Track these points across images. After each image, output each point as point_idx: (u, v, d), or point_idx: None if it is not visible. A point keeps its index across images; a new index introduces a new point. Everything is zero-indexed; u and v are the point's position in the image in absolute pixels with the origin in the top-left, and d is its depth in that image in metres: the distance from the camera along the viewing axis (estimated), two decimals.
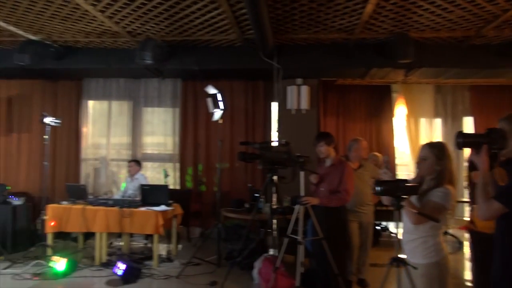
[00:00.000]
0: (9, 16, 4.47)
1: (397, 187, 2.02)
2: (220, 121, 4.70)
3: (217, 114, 4.60)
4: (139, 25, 4.71)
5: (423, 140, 6.69)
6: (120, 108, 6.65)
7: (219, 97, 4.52)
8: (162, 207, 4.80)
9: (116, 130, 6.64)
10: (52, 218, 4.89)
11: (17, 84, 6.80)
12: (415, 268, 2.10)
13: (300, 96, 5.67)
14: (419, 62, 5.13)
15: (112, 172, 6.66)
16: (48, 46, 5.38)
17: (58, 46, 5.52)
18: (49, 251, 4.90)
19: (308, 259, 3.93)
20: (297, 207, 3.43)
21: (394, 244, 2.27)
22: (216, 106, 4.52)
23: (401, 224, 2.23)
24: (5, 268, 4.59)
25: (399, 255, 2.14)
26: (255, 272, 4.01)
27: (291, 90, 5.69)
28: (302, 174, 3.47)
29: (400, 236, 2.29)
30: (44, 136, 5.09)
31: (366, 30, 4.77)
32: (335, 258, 3.39)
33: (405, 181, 2.06)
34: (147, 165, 6.41)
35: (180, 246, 5.58)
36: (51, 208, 4.93)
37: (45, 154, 5.14)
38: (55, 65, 5.70)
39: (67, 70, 5.99)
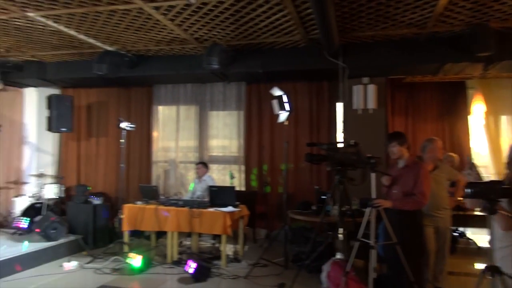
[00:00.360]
0: (90, 29, 4.82)
1: (491, 190, 1.84)
2: (286, 123, 4.68)
3: (283, 115, 4.59)
4: (206, 31, 4.84)
5: (505, 139, 6.16)
6: (187, 113, 6.90)
7: (284, 98, 4.51)
8: (230, 208, 4.88)
9: (184, 134, 6.89)
10: (129, 218, 5.19)
11: (95, 92, 7.33)
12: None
13: (366, 95, 5.49)
14: (500, 55, 4.72)
15: (180, 174, 6.93)
16: (122, 55, 5.73)
17: (131, 55, 5.85)
18: (125, 248, 5.19)
19: (379, 264, 3.78)
20: (368, 210, 3.31)
21: (486, 252, 2.10)
22: (282, 107, 4.51)
23: (483, 230, 2.05)
24: (87, 263, 4.95)
25: (492, 264, 1.97)
26: (323, 276, 3.93)
27: (357, 90, 5.53)
28: (373, 175, 3.34)
29: (487, 244, 2.10)
30: (120, 140, 5.42)
31: (440, 23, 4.49)
32: (409, 264, 3.22)
33: (501, 183, 1.88)
34: (212, 167, 6.56)
35: (246, 247, 5.64)
36: (127, 208, 5.24)
37: (121, 157, 5.47)
38: (128, 73, 6.05)
39: (139, 78, 6.34)
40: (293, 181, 6.22)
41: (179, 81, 6.69)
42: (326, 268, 3.91)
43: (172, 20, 4.45)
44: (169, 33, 4.91)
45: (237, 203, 5.08)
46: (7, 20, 4.53)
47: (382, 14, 4.25)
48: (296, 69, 5.60)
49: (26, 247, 4.96)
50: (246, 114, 6.56)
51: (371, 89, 5.45)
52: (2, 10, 4.24)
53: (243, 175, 6.52)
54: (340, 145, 3.82)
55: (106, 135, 7.21)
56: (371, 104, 5.45)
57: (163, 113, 7.11)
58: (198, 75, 6.17)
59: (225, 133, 6.77)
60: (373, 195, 3.30)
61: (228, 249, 5.08)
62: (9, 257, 4.58)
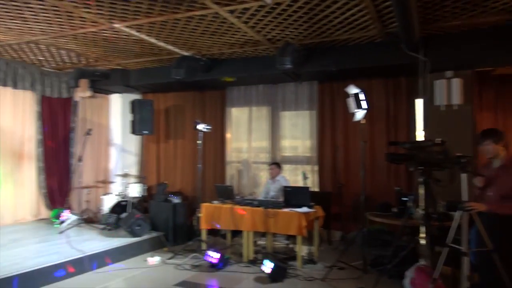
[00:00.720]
0: (168, 36, 5.06)
1: None
2: (363, 122, 4.51)
3: (359, 114, 4.43)
4: (279, 32, 4.84)
5: None
6: (259, 114, 6.96)
7: (361, 96, 4.35)
8: (305, 209, 4.82)
9: (256, 135, 6.97)
10: (206, 216, 5.36)
11: (172, 97, 7.69)
12: None
13: (450, 90, 5.10)
14: None
15: (253, 174, 7.01)
16: (198, 60, 5.94)
17: (206, 59, 6.04)
18: (203, 245, 5.37)
19: (471, 272, 3.47)
20: (458, 213, 3.05)
21: None
22: (358, 105, 4.35)
23: None
24: (169, 259, 5.19)
25: None
26: (406, 282, 3.71)
27: (440, 84, 5.15)
28: (463, 176, 3.07)
29: None
30: (197, 142, 5.62)
31: None
32: (508, 274, 2.92)
33: None
34: (284, 167, 6.54)
35: (321, 249, 5.53)
36: (204, 207, 5.41)
37: (198, 157, 5.66)
38: (203, 77, 6.26)
39: (213, 81, 6.53)
40: (369, 182, 5.98)
41: (251, 82, 6.78)
42: (409, 274, 3.69)
43: (245, 22, 4.51)
44: (242, 35, 4.99)
45: (312, 203, 5.00)
46: (96, 32, 4.92)
47: (471, 1, 3.91)
48: (372, 66, 5.38)
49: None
50: (318, 114, 6.46)
51: (456, 83, 5.05)
52: (92, 23, 4.60)
53: (316, 176, 6.42)
54: (424, 144, 3.58)
55: (183, 137, 7.54)
56: (456, 99, 5.05)
57: (236, 114, 7.25)
58: (270, 76, 6.19)
59: (297, 133, 6.72)
60: (465, 197, 3.03)
61: (303, 250, 5.02)
62: (100, 250, 4.96)
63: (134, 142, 7.86)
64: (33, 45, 5.60)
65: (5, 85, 6.44)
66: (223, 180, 7.07)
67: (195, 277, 4.56)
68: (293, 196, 5.02)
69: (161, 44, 5.35)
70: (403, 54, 4.92)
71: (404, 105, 5.96)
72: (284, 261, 4.87)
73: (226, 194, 5.55)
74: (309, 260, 5.02)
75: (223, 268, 4.80)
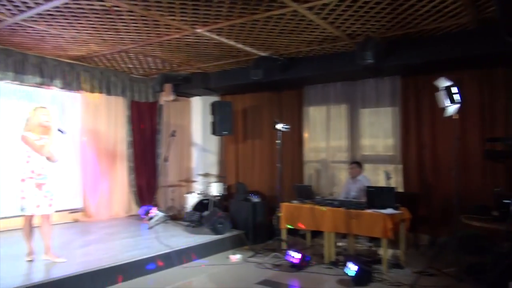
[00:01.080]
0: (247, 38, 5.14)
1: None
2: (455, 117, 4.16)
3: (451, 108, 4.09)
4: (359, 26, 4.66)
5: None
6: (337, 112, 6.78)
7: (454, 89, 4.01)
8: (390, 210, 4.58)
9: (334, 134, 6.80)
10: (286, 216, 5.35)
11: (250, 98, 7.82)
12: None
13: None
14: None
15: (331, 174, 6.85)
16: (275, 60, 5.96)
17: (283, 59, 6.04)
18: (284, 245, 5.36)
19: None
20: None
21: None
22: (451, 99, 4.02)
23: None
24: (250, 257, 5.27)
25: None
26: None
27: None
28: None
29: None
30: (276, 141, 5.63)
31: None
32: None
33: None
34: (365, 167, 6.29)
35: (407, 253, 5.22)
36: (284, 206, 5.40)
37: (278, 157, 5.67)
38: (280, 77, 6.26)
39: (290, 80, 6.51)
40: (462, 182, 5.48)
41: (329, 80, 6.63)
42: None
43: (325, 18, 4.41)
44: (321, 32, 4.89)
45: (397, 205, 4.74)
46: (180, 38, 5.16)
47: None
48: (463, 56, 4.95)
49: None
50: (401, 110, 6.11)
51: None
52: (176, 30, 4.84)
53: (400, 175, 6.08)
54: None
55: (260, 137, 7.62)
56: None
57: (313, 113, 7.14)
58: (349, 73, 6.00)
59: (378, 131, 6.42)
60: None
61: (388, 253, 4.78)
62: (186, 246, 5.19)
63: (214, 143, 8.13)
64: (124, 54, 6.06)
65: (100, 91, 7.06)
66: (301, 180, 7.01)
67: (276, 276, 4.56)
68: (376, 196, 4.80)
69: (240, 46, 5.46)
70: (501, 41, 4.43)
71: (502, 98, 5.38)
72: (368, 264, 4.67)
73: (305, 194, 5.49)
74: (395, 265, 4.76)
75: (304, 268, 4.74)
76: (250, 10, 4.19)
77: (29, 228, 4.33)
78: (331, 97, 6.79)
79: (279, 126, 5.49)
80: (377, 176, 6.31)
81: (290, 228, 5.46)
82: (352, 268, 4.21)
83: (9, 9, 4.20)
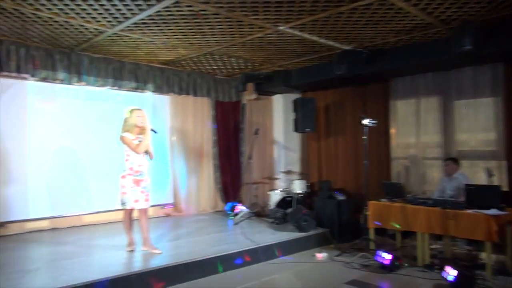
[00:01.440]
0: (330, 32, 5.02)
1: None
2: None
3: None
4: (455, 10, 4.28)
5: None
6: (428, 105, 6.31)
7: None
8: (494, 211, 4.15)
9: (425, 128, 6.34)
10: (374, 215, 5.14)
11: (332, 93, 7.63)
12: None
13: None
14: None
15: (422, 171, 6.41)
16: (359, 53, 5.74)
17: (367, 51, 5.79)
18: (372, 245, 5.15)
19: None
20: None
21: None
22: None
23: None
24: (336, 256, 5.16)
25: None
26: None
27: None
28: None
29: None
30: (363, 137, 5.42)
31: None
32: None
33: None
34: (462, 163, 5.78)
35: None
36: (372, 205, 5.19)
37: (363, 153, 5.46)
38: (365, 70, 6.02)
39: (375, 73, 6.22)
40: None
41: (419, 71, 6.20)
42: None
43: (415, 5, 4.13)
44: (411, 20, 4.59)
45: (503, 205, 4.28)
46: (262, 37, 5.21)
47: None
48: None
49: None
50: (505, 100, 5.48)
51: None
52: (259, 29, 4.89)
53: (504, 173, 5.48)
54: None
55: (343, 133, 7.41)
56: None
57: (401, 107, 6.74)
58: (442, 62, 5.55)
59: (476, 124, 5.84)
60: None
61: (491, 258, 4.34)
62: (272, 243, 5.24)
63: (295, 140, 8.10)
64: (209, 56, 6.30)
65: (187, 93, 7.44)
66: (387, 177, 6.67)
67: (365, 277, 4.40)
68: (478, 195, 4.38)
69: (323, 40, 5.35)
70: None
71: None
72: (469, 269, 4.29)
73: (395, 192, 5.22)
74: (501, 271, 4.31)
75: (395, 270, 4.51)
76: (335, 3, 4.08)
77: (129, 220, 4.71)
78: (421, 89, 6.34)
79: (366, 121, 5.28)
80: (475, 174, 5.75)
81: (378, 228, 5.23)
82: (451, 273, 3.90)
83: (109, 21, 4.60)
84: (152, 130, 4.66)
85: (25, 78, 5.72)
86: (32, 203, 5.86)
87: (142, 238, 4.68)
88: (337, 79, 6.34)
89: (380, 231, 5.59)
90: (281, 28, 4.82)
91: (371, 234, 5.24)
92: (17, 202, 5.73)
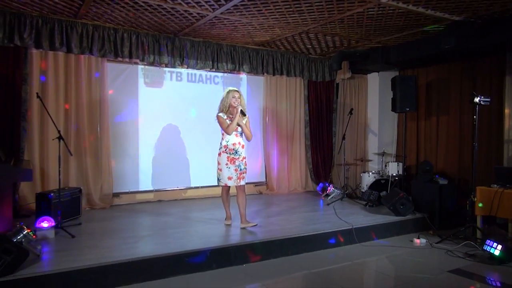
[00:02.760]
0: (439, 2, 4.58)
1: None
2: None
3: None
4: None
5: None
6: None
7: None
8: None
9: None
10: (483, 202, 4.70)
11: (434, 70, 7.03)
12: None
13: None
14: None
15: None
16: (471, 23, 5.16)
17: (481, 22, 5.19)
18: (478, 234, 4.73)
19: None
20: None
21: None
22: None
23: None
24: (436, 243, 4.85)
25: None
26: None
27: None
28: None
29: None
30: (474, 116, 4.91)
31: None
32: None
33: None
34: None
35: None
36: (480, 191, 4.75)
37: (474, 135, 4.95)
38: (476, 43, 5.42)
39: (488, 46, 5.56)
40: None
41: None
42: None
43: None
44: None
45: None
46: (362, 12, 4.97)
47: None
48: None
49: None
50: None
51: None
52: (359, 4, 4.66)
53: None
54: None
55: (446, 113, 6.82)
56: None
57: None
58: None
59: None
60: None
61: None
62: (366, 225, 5.11)
63: (390, 121, 7.69)
64: (304, 35, 6.21)
65: (281, 74, 7.47)
66: (499, 161, 6.00)
67: (471, 267, 4.08)
68: None
69: (429, 12, 4.92)
70: None
71: None
72: None
73: (509, 178, 4.68)
74: None
75: (507, 263, 4.09)
76: None
77: (225, 196, 4.93)
78: None
79: (477, 99, 4.76)
80: None
81: (486, 216, 4.77)
82: None
83: (211, 5, 4.77)
84: (241, 112, 4.64)
85: (136, 63, 6.28)
86: (142, 177, 6.47)
87: (240, 214, 4.84)
88: (443, 54, 5.82)
89: (489, 220, 5.10)
90: (383, 1, 4.53)
91: (478, 222, 4.80)
92: (129, 175, 6.37)
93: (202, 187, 6.93)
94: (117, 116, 6.24)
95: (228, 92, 4.69)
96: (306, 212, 5.89)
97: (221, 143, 4.72)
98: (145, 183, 6.49)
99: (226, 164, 4.64)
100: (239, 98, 4.68)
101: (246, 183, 4.85)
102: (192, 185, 6.88)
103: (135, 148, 6.41)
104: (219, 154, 4.71)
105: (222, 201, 4.97)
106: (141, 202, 6.43)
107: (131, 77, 6.35)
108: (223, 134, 4.72)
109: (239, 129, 4.71)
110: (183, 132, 6.79)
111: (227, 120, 4.66)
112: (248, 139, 4.78)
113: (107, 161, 6.05)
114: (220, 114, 4.68)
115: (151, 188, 6.54)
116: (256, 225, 4.76)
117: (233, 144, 4.67)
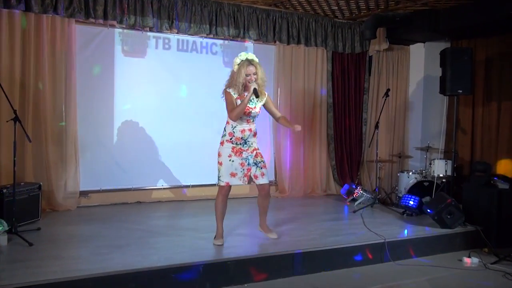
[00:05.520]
0: None
1: None
2: None
3: None
4: None
5: None
6: None
7: None
8: None
9: None
10: None
11: (496, 42, 7.03)
12: None
13: None
14: None
15: None
16: None
17: None
18: None
19: None
20: None
21: None
22: None
23: None
24: (492, 263, 4.90)
25: None
26: None
27: None
28: None
29: None
30: None
31: None
32: None
33: None
34: None
35: None
36: None
37: None
38: None
39: None
40: None
41: None
42: None
43: None
44: None
45: None
46: None
47: None
48: None
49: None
50: None
51: None
52: None
53: None
54: None
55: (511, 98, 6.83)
56: None
57: None
58: None
59: None
60: None
61: None
62: (402, 239, 5.17)
63: (439, 106, 7.70)
64: None
65: (298, 42, 7.51)
66: None
67: None
68: None
69: None
70: None
71: None
72: None
73: None
74: None
75: None
76: None
77: (221, 202, 4.67)
78: None
79: None
80: None
81: None
82: None
83: None
84: (255, 91, 4.44)
85: (112, 26, 6.33)
86: (117, 172, 6.55)
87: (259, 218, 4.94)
88: (508, 21, 5.79)
89: None
90: None
91: None
92: (102, 170, 6.45)
93: (194, 186, 7.05)
94: (88, 94, 6.32)
95: (241, 65, 4.47)
96: (326, 220, 5.97)
97: (225, 129, 4.64)
98: (122, 179, 6.61)
99: (229, 156, 4.56)
100: (255, 73, 4.46)
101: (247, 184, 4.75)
102: (182, 183, 7.00)
103: (110, 136, 6.52)
104: (221, 143, 4.62)
105: (215, 208, 4.70)
106: (116, 203, 6.55)
107: (106, 44, 6.43)
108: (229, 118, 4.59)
109: (253, 112, 4.58)
110: (171, 116, 6.87)
111: (238, 100, 4.50)
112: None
113: (73, 151, 6.15)
114: (230, 90, 4.52)
115: (129, 186, 6.66)
116: (276, 238, 4.82)
117: (242, 131, 4.57)
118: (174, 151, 6.90)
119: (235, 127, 4.58)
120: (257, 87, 4.45)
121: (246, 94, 4.50)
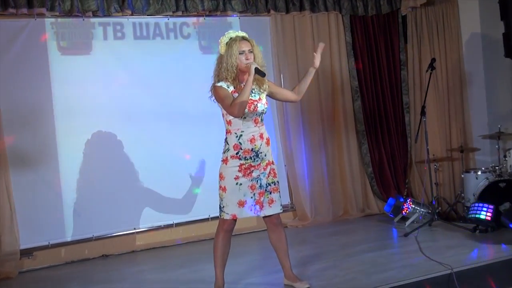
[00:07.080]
0: None
1: None
2: None
3: None
4: None
5: None
6: None
7: None
8: None
9: None
10: None
11: None
12: None
13: None
14: None
15: None
16: None
17: None
18: None
19: None
20: None
21: None
22: None
23: None
24: None
25: None
26: None
27: None
28: None
29: None
30: None
31: None
32: None
33: None
34: None
35: None
36: None
37: None
38: None
39: None
40: None
41: None
42: None
43: None
44: None
45: None
46: None
47: None
48: None
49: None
50: None
51: None
52: None
53: None
54: None
55: None
56: None
57: None
58: None
59: None
60: None
61: None
62: (477, 265, 5.19)
63: (506, 76, 7.68)
64: None
65: (300, 9, 7.52)
66: None
67: None
68: None
69: None
70: None
71: None
72: None
73: None
74: None
75: None
76: None
77: (221, 241, 4.61)
78: None
79: None
80: None
81: None
82: None
83: None
84: (257, 70, 4.33)
85: (41, 15, 6.38)
86: (69, 218, 6.52)
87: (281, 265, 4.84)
88: None
89: None
90: None
91: None
92: (47, 217, 6.40)
93: (178, 224, 7.08)
94: (17, 110, 6.33)
95: (231, 44, 4.44)
96: (368, 251, 5.98)
97: (227, 142, 4.52)
98: (78, 227, 6.59)
99: (236, 178, 4.43)
100: (251, 51, 4.45)
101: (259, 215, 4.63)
102: (162, 222, 7.02)
103: (54, 167, 6.51)
104: (224, 161, 4.50)
105: (213, 250, 4.66)
106: (73, 261, 6.52)
107: (34, 40, 6.47)
108: (229, 124, 4.50)
109: (259, 106, 4.50)
110: (135, 129, 6.88)
111: (234, 94, 4.38)
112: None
113: (5, 193, 6.14)
114: (220, 83, 4.44)
115: (89, 235, 6.65)
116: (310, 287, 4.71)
117: (251, 140, 4.44)
118: (147, 177, 6.91)
119: (241, 135, 4.44)
120: (258, 67, 4.37)
121: (243, 84, 4.41)
